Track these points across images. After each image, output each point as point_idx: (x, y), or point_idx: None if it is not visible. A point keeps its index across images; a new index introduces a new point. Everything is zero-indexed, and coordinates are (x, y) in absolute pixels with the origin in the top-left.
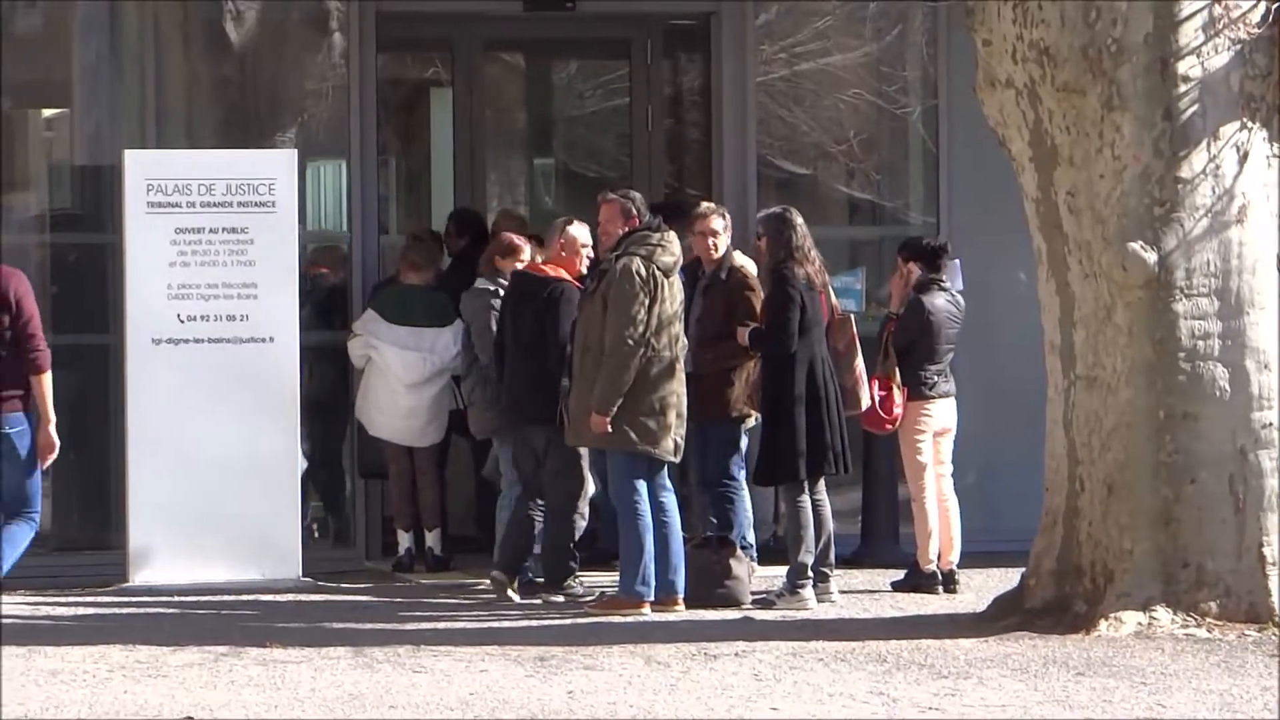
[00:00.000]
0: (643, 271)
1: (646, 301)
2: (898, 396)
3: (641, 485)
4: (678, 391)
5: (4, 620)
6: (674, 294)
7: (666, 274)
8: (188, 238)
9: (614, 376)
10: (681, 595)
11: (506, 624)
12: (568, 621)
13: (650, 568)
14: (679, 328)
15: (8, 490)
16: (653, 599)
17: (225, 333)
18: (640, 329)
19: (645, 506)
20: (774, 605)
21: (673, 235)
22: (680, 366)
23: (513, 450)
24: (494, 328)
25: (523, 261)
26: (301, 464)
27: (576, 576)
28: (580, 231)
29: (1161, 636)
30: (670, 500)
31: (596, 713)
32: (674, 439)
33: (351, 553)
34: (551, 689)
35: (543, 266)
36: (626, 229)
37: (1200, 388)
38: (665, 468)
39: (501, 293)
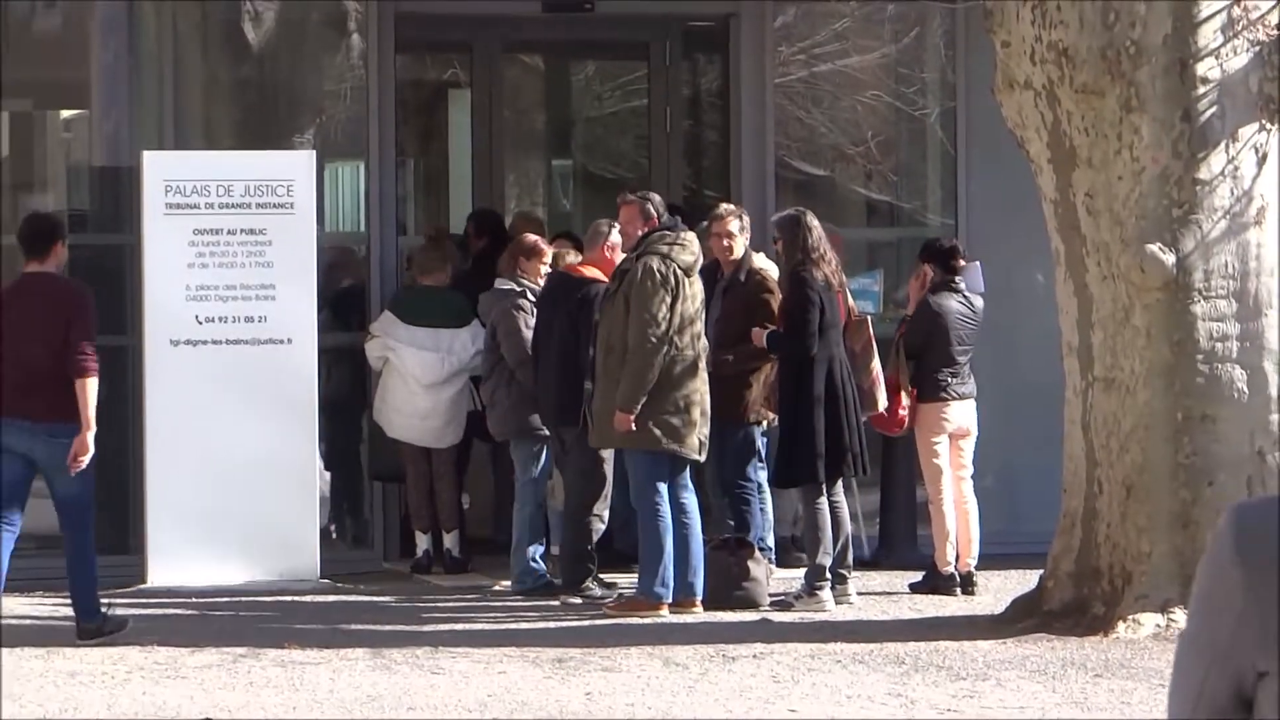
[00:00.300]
0: (663, 270)
1: (668, 300)
2: (905, 399)
3: (663, 486)
4: (701, 390)
5: (23, 621)
6: (695, 293)
7: (687, 273)
8: (206, 239)
9: (638, 375)
10: (700, 597)
11: (524, 625)
12: (586, 623)
13: (670, 569)
14: (700, 326)
15: (63, 498)
16: (671, 600)
17: (243, 334)
18: (663, 327)
19: (666, 508)
20: (792, 607)
21: (691, 235)
22: (703, 365)
23: (526, 450)
24: (523, 329)
25: (546, 263)
26: (324, 477)
27: (595, 578)
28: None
29: None
30: (691, 501)
31: (614, 714)
32: (698, 437)
33: (370, 554)
34: (570, 690)
35: (580, 268)
36: (645, 230)
37: (1218, 389)
38: (686, 468)
39: (528, 293)
